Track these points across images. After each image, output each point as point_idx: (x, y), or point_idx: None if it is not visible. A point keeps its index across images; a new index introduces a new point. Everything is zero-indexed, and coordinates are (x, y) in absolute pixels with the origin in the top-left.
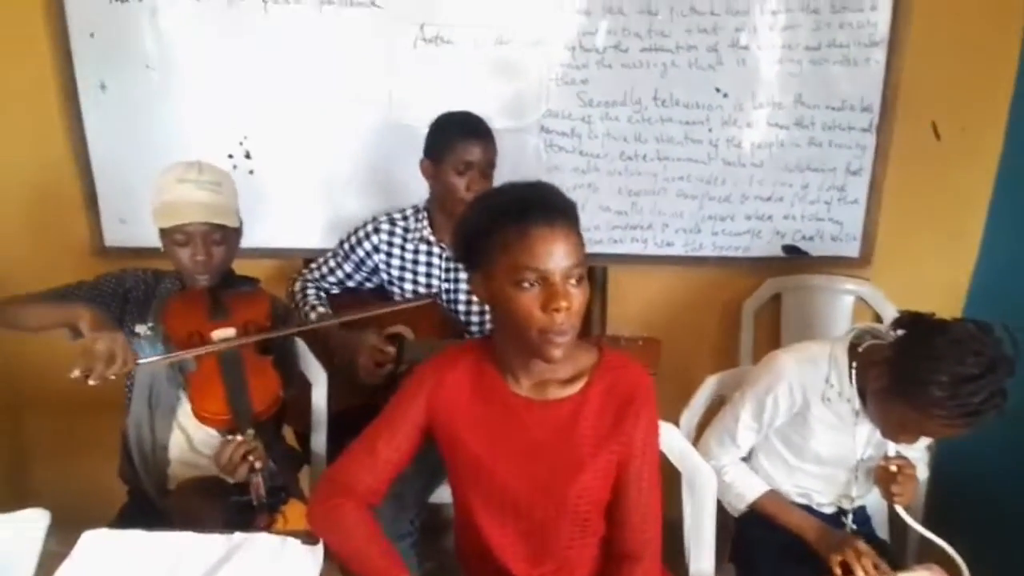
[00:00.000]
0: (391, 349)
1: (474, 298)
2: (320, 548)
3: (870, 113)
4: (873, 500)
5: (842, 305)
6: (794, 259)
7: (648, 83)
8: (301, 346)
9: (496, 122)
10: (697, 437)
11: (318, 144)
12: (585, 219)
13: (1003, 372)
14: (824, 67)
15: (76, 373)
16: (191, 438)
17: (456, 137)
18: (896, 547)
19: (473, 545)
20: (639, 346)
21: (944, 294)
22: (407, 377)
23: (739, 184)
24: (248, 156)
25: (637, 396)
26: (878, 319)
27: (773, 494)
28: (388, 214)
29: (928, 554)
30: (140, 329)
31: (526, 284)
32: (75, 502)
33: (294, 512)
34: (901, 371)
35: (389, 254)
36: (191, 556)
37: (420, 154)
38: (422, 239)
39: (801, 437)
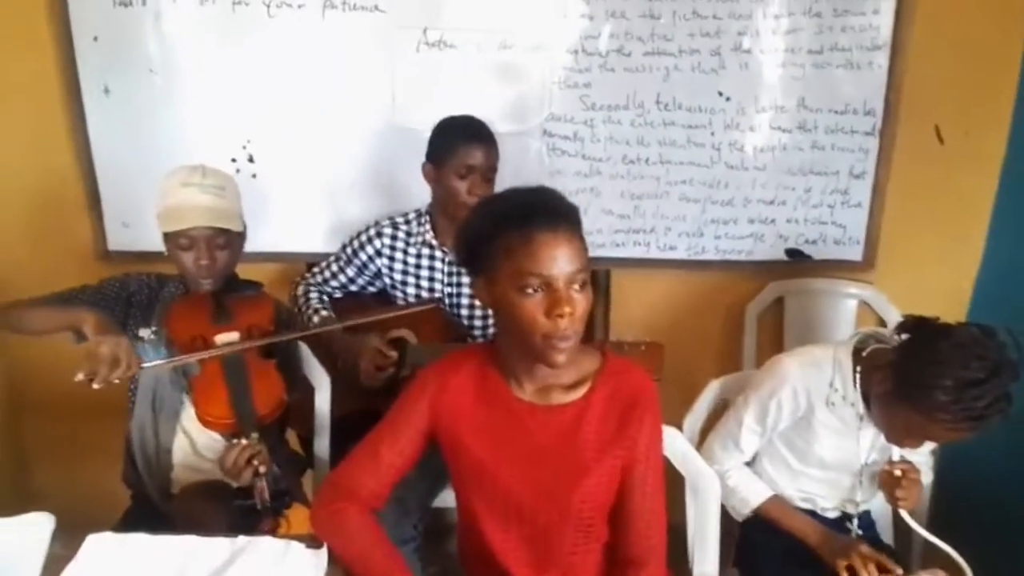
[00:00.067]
0: (393, 353)
1: (477, 302)
2: (324, 552)
3: (873, 117)
4: (877, 505)
5: (845, 309)
6: (797, 263)
7: (651, 87)
8: (304, 350)
9: (498, 126)
10: (701, 441)
11: (321, 148)
12: (588, 223)
13: (1007, 376)
14: (827, 71)
15: (80, 377)
16: (195, 442)
17: (458, 141)
18: (900, 552)
19: (476, 550)
20: (642, 351)
21: (948, 298)
22: (410, 381)
23: (742, 188)
24: (251, 160)
25: (640, 401)
26: (881, 323)
27: (777, 499)
28: (390, 218)
29: (933, 559)
30: (144, 333)
31: (530, 290)
32: (79, 506)
33: (298, 516)
34: (905, 375)
35: (391, 258)
36: (195, 560)
37: (423, 158)
38: (424, 243)
39: (805, 441)
